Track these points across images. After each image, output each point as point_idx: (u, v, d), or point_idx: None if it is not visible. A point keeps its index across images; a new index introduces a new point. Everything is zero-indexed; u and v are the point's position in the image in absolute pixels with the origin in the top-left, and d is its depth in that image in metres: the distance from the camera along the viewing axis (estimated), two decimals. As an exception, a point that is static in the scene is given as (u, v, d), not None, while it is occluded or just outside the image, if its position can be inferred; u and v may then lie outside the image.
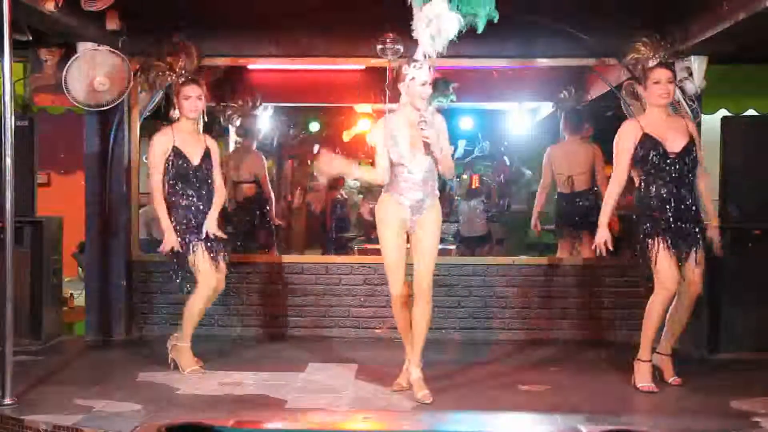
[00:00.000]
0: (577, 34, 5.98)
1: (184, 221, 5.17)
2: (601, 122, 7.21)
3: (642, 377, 4.82)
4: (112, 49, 5.86)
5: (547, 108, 8.86)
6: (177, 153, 5.18)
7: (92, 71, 5.80)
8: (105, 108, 5.94)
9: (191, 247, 5.12)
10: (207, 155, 5.26)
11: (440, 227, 4.64)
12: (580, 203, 7.06)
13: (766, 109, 7.25)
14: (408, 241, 4.62)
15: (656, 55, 4.97)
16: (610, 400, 4.63)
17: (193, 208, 5.19)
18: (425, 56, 4.37)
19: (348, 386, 4.82)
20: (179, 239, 5.12)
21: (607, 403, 4.54)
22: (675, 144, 4.78)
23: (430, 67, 4.43)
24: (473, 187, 9.61)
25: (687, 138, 4.80)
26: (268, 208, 7.66)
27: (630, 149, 4.82)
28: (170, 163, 5.18)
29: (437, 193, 4.62)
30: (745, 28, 4.84)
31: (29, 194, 5.96)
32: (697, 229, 4.82)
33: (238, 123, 7.57)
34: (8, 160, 4.31)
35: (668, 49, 4.98)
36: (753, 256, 5.72)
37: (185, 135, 5.24)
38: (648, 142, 4.79)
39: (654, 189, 4.81)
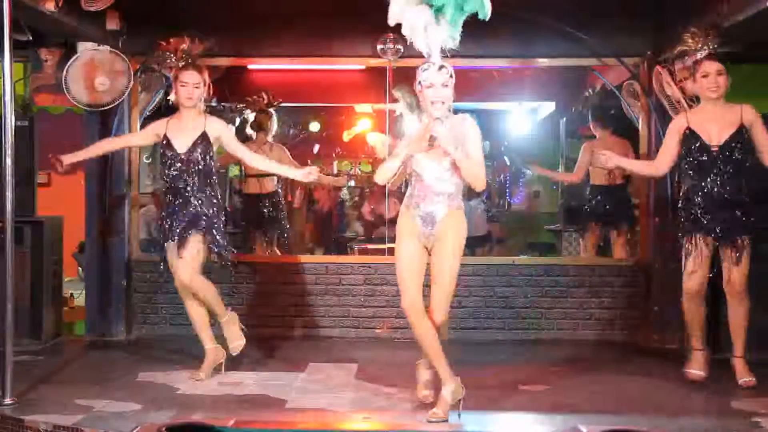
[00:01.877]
0: (577, 34, 5.99)
1: (160, 221, 5.15)
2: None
3: (689, 364, 5.01)
4: (112, 49, 5.86)
5: (547, 108, 8.87)
6: (166, 142, 5.08)
7: (92, 71, 5.81)
8: (105, 108, 5.94)
9: (165, 246, 5.10)
10: (202, 140, 5.05)
11: (460, 243, 4.17)
12: (618, 195, 7.08)
13: (766, 109, 7.23)
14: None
15: (704, 47, 4.85)
16: (610, 400, 4.63)
17: (171, 206, 5.08)
18: (428, 56, 4.12)
19: (348, 386, 4.82)
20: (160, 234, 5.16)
21: (607, 403, 4.55)
22: (717, 136, 4.76)
23: (441, 68, 4.09)
24: (473, 187, 9.59)
25: (734, 128, 4.75)
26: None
27: (673, 144, 4.87)
28: (160, 153, 5.15)
29: (460, 204, 4.21)
30: (745, 28, 4.83)
31: (29, 194, 5.96)
32: (737, 227, 4.75)
33: (251, 118, 7.46)
34: (8, 160, 4.30)
35: (715, 41, 4.89)
36: (753, 256, 5.70)
37: (180, 123, 5.11)
38: (690, 138, 4.80)
39: (694, 184, 4.82)
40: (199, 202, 5.05)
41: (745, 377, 4.83)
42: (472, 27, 4.14)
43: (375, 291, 6.32)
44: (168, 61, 5.21)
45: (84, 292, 6.57)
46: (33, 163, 6.06)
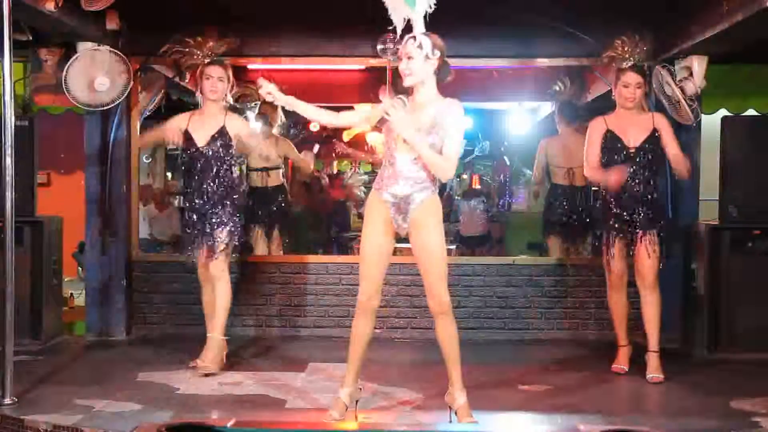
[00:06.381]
0: (576, 33, 5.99)
1: (184, 222, 5.28)
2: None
3: (616, 360, 5.27)
4: (112, 49, 5.86)
5: (547, 108, 8.85)
6: (187, 136, 5.21)
7: (92, 71, 5.80)
8: (105, 108, 5.94)
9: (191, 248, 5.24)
10: (221, 134, 5.17)
11: (440, 224, 3.99)
12: (579, 196, 6.95)
13: (766, 109, 7.24)
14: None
15: (631, 57, 5.15)
16: (610, 400, 4.63)
17: (191, 205, 5.20)
18: (401, 30, 3.99)
19: (348, 386, 4.81)
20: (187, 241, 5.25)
21: (607, 403, 4.55)
22: (634, 139, 5.05)
23: (408, 40, 3.91)
24: (473, 187, 9.62)
25: (648, 132, 5.04)
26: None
27: (597, 142, 5.13)
28: (182, 148, 5.25)
29: (434, 189, 4.00)
30: (745, 28, 4.84)
31: (29, 194, 5.95)
32: (650, 223, 5.04)
33: (256, 108, 7.43)
34: (8, 160, 4.30)
35: (645, 52, 5.23)
36: (753, 256, 5.73)
37: (201, 117, 5.24)
38: (610, 138, 5.09)
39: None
40: (219, 197, 5.16)
41: (654, 373, 5.01)
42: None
43: (375, 291, 6.30)
44: (194, 56, 5.27)
45: (84, 292, 6.57)
46: (33, 163, 6.04)
